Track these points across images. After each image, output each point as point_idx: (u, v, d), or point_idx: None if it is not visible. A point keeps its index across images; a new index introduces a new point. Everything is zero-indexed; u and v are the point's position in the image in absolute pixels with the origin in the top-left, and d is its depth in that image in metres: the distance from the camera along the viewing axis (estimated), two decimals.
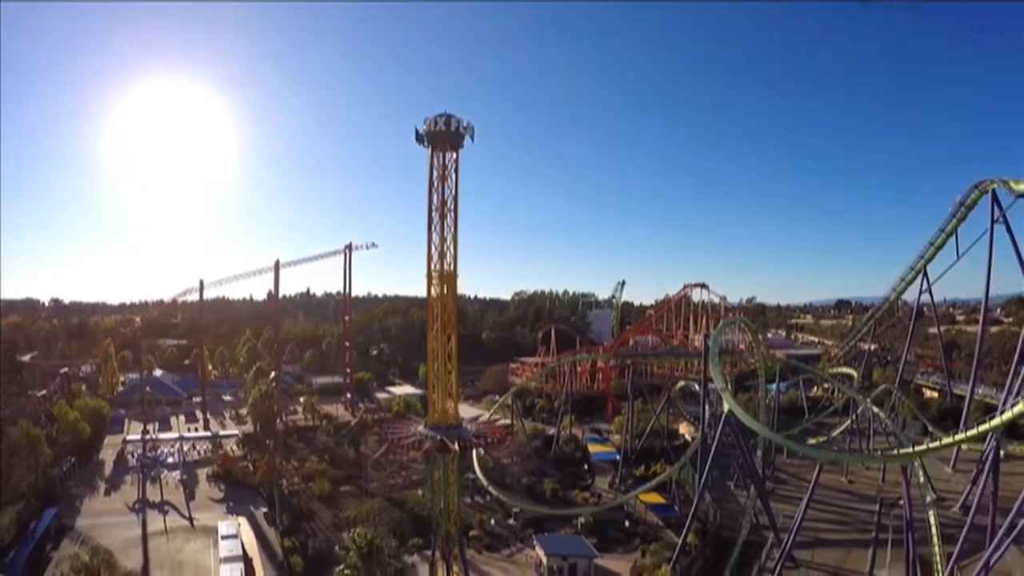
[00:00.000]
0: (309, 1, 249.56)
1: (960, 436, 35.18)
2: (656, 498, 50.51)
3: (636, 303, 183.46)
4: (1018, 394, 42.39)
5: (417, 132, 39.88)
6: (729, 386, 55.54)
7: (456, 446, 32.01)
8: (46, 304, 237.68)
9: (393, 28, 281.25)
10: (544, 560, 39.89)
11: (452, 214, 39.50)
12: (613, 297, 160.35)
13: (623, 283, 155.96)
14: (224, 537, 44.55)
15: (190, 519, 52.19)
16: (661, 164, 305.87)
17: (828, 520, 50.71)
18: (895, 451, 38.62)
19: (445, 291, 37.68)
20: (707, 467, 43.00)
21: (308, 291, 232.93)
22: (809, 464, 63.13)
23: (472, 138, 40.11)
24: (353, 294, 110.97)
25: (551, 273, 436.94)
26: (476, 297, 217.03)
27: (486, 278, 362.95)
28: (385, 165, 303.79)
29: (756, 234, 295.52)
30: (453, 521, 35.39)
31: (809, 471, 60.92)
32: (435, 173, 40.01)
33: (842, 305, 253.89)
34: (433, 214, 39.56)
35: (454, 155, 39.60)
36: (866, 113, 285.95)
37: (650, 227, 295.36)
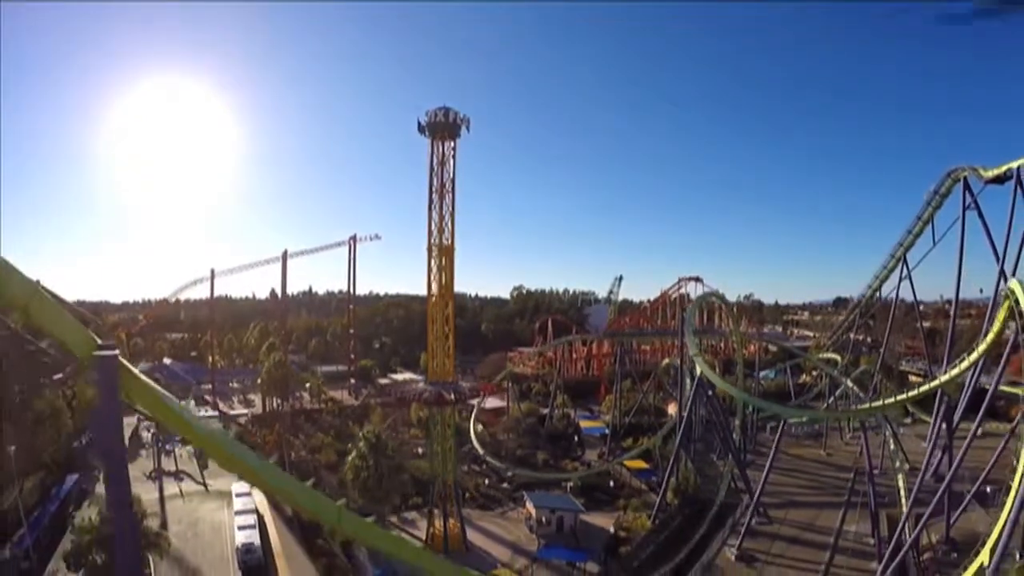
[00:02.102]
0: (310, 1, 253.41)
1: (912, 393, 38.35)
2: (640, 464, 53.79)
3: (636, 300, 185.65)
4: (980, 371, 45.38)
5: (419, 123, 44.71)
6: (717, 370, 58.76)
7: (452, 396, 35.48)
8: None
9: (393, 28, 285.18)
10: (534, 513, 43.14)
11: (450, 195, 43.84)
12: (611, 292, 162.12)
13: (620, 278, 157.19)
14: (238, 495, 47.88)
15: (204, 484, 55.56)
16: (662, 164, 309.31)
17: (804, 486, 53.93)
18: (853, 407, 41.76)
19: (444, 262, 41.46)
20: (683, 425, 46.19)
21: (311, 289, 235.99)
22: (789, 440, 66.66)
23: (468, 129, 44.83)
24: (356, 291, 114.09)
25: (551, 272, 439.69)
26: (477, 296, 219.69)
27: (487, 278, 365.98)
28: (387, 165, 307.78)
29: (757, 234, 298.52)
30: (450, 472, 38.74)
31: (790, 446, 64.53)
32: (435, 159, 44.64)
33: (840, 303, 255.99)
34: (433, 195, 43.96)
35: (452, 143, 44.38)
36: (869, 113, 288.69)
37: (651, 226, 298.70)
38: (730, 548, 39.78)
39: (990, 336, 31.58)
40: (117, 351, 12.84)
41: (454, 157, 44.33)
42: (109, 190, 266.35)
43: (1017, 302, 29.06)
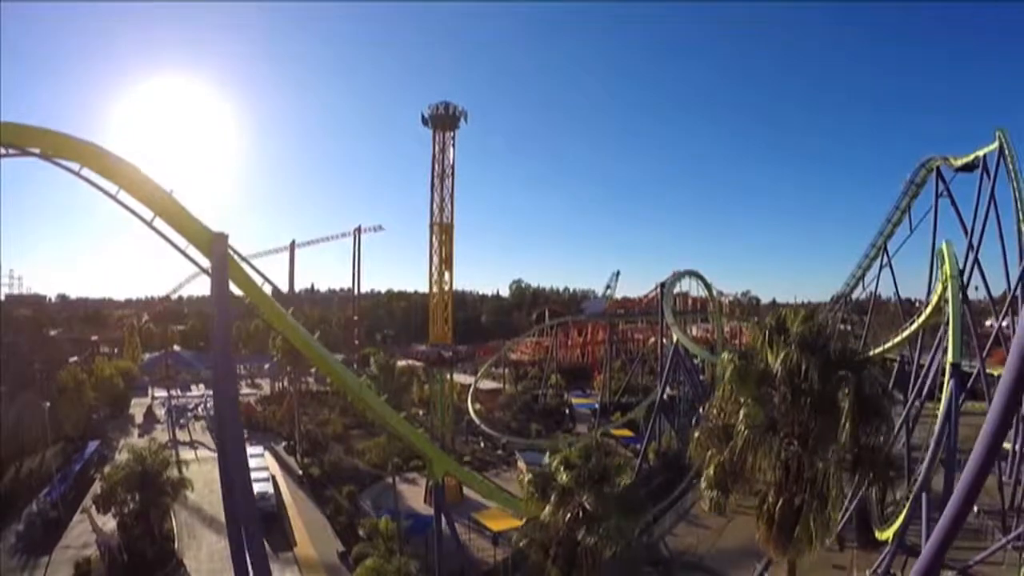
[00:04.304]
0: (311, 1, 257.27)
1: (888, 344, 42.31)
2: (626, 432, 57.34)
3: (633, 296, 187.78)
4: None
5: (423, 116, 49.25)
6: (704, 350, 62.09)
7: (450, 355, 39.08)
8: (52, 300, 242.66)
9: (395, 29, 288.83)
10: (524, 470, 46.59)
11: (450, 179, 48.04)
12: (608, 287, 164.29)
13: (618, 273, 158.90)
14: (251, 456, 51.41)
15: (218, 452, 59.29)
16: (661, 163, 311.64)
17: None
18: None
19: (444, 238, 45.24)
20: (662, 391, 49.72)
21: (312, 286, 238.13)
22: None
23: (466, 120, 49.45)
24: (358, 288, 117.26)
25: (551, 273, 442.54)
26: (478, 293, 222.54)
27: (487, 277, 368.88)
28: (388, 165, 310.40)
29: (757, 234, 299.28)
30: (448, 427, 42.27)
31: None
32: (436, 147, 48.92)
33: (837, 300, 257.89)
34: (435, 180, 48.11)
35: (452, 134, 48.84)
36: (871, 112, 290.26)
37: (651, 226, 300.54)
38: (705, 500, 43.21)
39: (934, 299, 34.94)
40: (228, 235, 16.67)
41: (453, 145, 48.66)
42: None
43: (946, 263, 32.55)
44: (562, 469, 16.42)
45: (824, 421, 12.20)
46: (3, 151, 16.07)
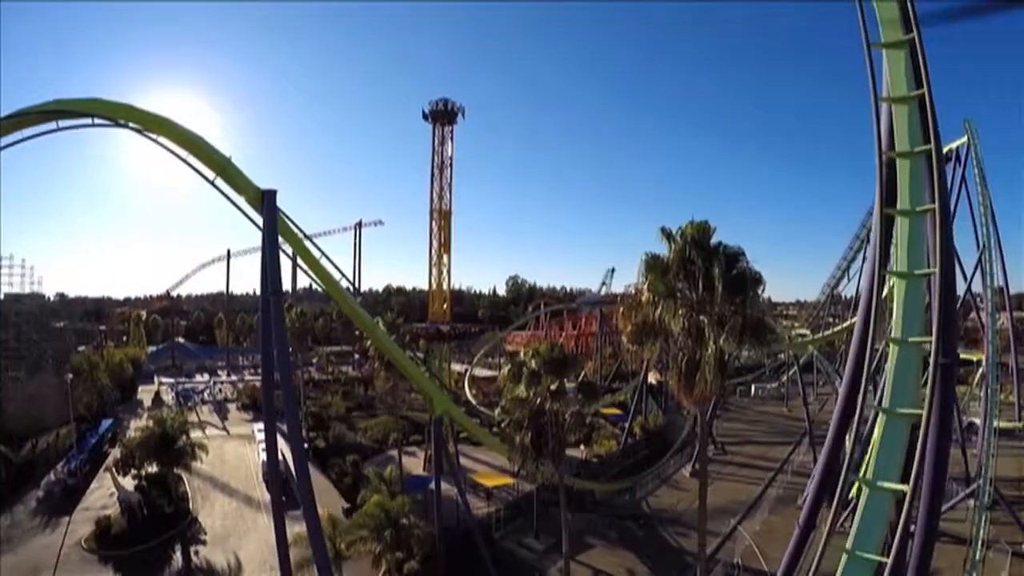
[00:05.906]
0: (309, 2, 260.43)
1: (828, 332, 45.31)
2: (614, 411, 60.09)
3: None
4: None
5: (423, 111, 52.34)
6: None
7: (448, 330, 41.86)
8: (51, 298, 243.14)
9: (394, 29, 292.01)
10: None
11: (449, 170, 50.92)
12: (604, 284, 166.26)
13: (613, 270, 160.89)
14: (259, 431, 54.33)
15: (226, 430, 62.10)
16: (661, 162, 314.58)
17: (763, 431, 60.49)
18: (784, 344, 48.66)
19: (443, 223, 48.11)
20: (645, 372, 52.56)
21: (311, 286, 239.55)
22: (756, 399, 73.39)
23: (463, 116, 52.44)
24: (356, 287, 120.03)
25: (548, 272, 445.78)
26: (476, 291, 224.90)
27: (485, 276, 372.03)
28: (386, 164, 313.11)
29: (755, 234, 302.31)
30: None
31: (755, 404, 71.16)
32: (436, 141, 51.95)
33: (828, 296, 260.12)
34: (435, 170, 51.05)
35: (450, 128, 51.89)
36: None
37: (649, 225, 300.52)
38: (686, 468, 46.14)
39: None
40: (276, 191, 19.39)
41: (452, 139, 51.68)
42: (109, 189, 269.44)
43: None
44: (532, 358, 19.67)
45: (709, 295, 15.62)
46: (90, 121, 18.95)
